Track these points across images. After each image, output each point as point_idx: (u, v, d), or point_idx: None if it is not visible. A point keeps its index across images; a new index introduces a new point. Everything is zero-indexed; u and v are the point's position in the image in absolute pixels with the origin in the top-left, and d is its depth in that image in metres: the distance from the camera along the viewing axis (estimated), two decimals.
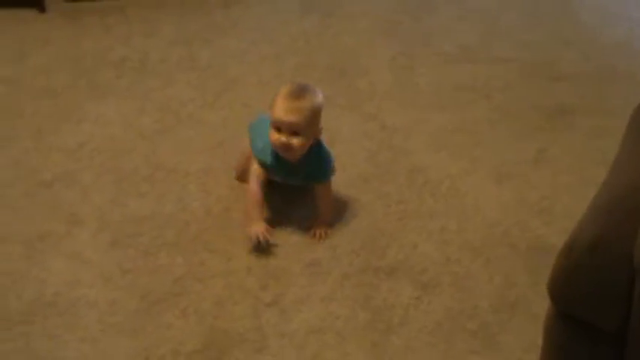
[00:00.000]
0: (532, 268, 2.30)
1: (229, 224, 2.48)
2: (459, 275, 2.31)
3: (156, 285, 2.29)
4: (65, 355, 2.11)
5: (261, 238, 2.36)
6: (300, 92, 2.32)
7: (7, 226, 2.47)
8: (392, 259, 2.36)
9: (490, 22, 3.41)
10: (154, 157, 2.73)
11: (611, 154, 1.84)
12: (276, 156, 2.37)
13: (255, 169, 2.40)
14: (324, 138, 2.43)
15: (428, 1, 3.55)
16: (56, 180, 2.64)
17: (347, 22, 3.42)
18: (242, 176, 2.56)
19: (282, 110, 2.28)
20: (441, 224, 2.47)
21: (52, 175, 2.66)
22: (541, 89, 3.02)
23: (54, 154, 2.75)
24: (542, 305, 1.82)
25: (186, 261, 2.36)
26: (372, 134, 2.81)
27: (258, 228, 2.37)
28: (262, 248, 2.37)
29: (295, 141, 2.30)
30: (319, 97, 2.34)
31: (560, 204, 2.50)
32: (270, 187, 2.45)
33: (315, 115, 2.32)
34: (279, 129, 2.30)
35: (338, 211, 2.51)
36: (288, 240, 2.42)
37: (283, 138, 2.30)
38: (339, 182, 2.55)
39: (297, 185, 2.49)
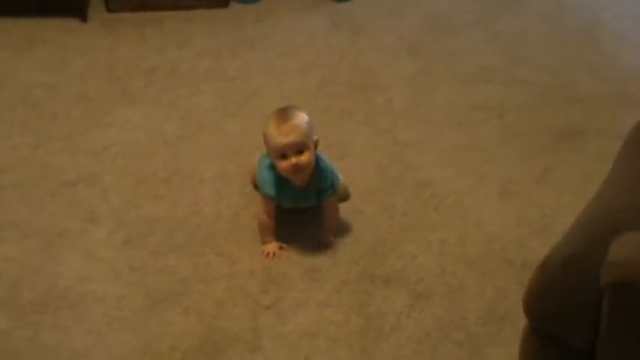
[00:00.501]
0: (525, 284, 2.33)
1: (238, 229, 2.58)
2: (453, 287, 2.38)
3: (162, 284, 2.40)
4: (71, 345, 2.23)
5: (271, 257, 2.48)
6: (286, 114, 2.41)
7: (30, 222, 2.61)
8: (390, 268, 2.44)
9: (513, 45, 3.47)
10: (173, 162, 2.85)
11: None
12: (282, 186, 2.44)
13: (264, 202, 2.48)
14: (334, 151, 2.53)
15: (454, 23, 3.62)
16: (80, 180, 2.78)
17: (373, 40, 3.51)
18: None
19: (280, 135, 2.36)
20: (441, 237, 2.54)
21: (76, 175, 2.80)
22: (554, 111, 3.07)
23: (80, 156, 2.89)
24: None
25: (193, 262, 2.47)
26: (383, 148, 2.89)
27: (271, 248, 2.50)
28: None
29: (303, 158, 2.38)
30: (303, 113, 2.43)
31: (560, 223, 2.54)
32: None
33: (309, 127, 2.40)
34: (284, 155, 2.38)
35: (343, 221, 2.59)
36: (292, 247, 2.52)
37: (292, 160, 2.37)
38: None
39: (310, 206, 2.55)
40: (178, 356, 2.19)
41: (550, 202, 2.66)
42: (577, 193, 2.60)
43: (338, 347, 2.22)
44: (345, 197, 2.64)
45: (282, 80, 3.28)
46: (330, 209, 2.53)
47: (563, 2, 3.82)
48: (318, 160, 2.45)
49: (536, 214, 2.61)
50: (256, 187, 2.64)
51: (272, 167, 2.44)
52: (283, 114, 2.41)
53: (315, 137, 2.43)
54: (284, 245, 2.51)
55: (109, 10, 3.74)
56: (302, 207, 2.55)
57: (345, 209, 2.62)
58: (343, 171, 2.64)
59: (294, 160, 2.37)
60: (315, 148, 2.43)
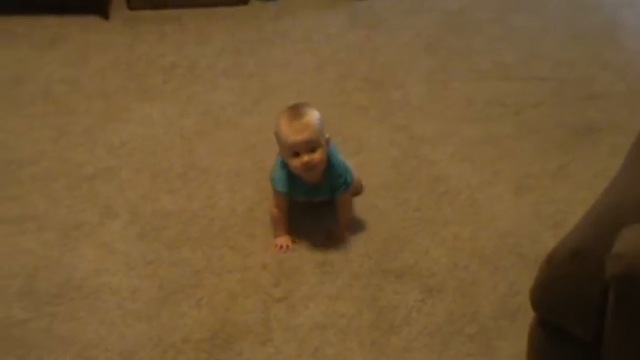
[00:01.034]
0: None
1: (251, 223, 2.60)
2: (466, 281, 2.38)
3: (175, 276, 2.43)
4: (85, 336, 2.26)
5: (284, 250, 2.50)
6: (298, 111, 2.40)
7: (48, 215, 2.65)
8: (402, 262, 2.45)
9: (531, 42, 3.46)
10: (189, 157, 2.87)
11: None
12: (294, 182, 2.45)
13: (276, 197, 2.50)
14: (350, 146, 2.54)
15: (472, 20, 3.61)
16: (98, 174, 2.81)
17: (390, 36, 3.52)
18: None
19: (293, 133, 2.35)
20: (454, 232, 2.54)
21: (94, 169, 2.84)
22: (571, 107, 3.05)
23: (98, 150, 2.93)
24: None
25: (206, 255, 2.49)
26: (399, 143, 2.90)
27: (284, 241, 2.52)
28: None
29: (316, 155, 2.38)
30: (315, 109, 2.43)
31: (574, 218, 2.48)
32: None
33: (321, 124, 2.39)
34: (297, 153, 2.38)
35: (356, 216, 2.60)
36: (304, 241, 2.53)
37: (305, 158, 2.37)
38: None
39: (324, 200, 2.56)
40: (190, 348, 2.22)
41: (565, 197, 2.65)
42: (592, 189, 2.58)
43: (348, 340, 2.23)
44: (358, 191, 2.65)
45: (299, 77, 3.29)
46: (344, 204, 2.54)
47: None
48: (330, 157, 2.45)
49: (550, 210, 2.60)
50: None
51: (284, 164, 2.45)
52: (295, 112, 2.41)
53: (326, 135, 2.43)
54: (296, 239, 2.52)
55: (130, 7, 3.78)
56: (316, 201, 2.56)
57: (358, 204, 2.63)
58: (358, 166, 2.66)
59: (306, 158, 2.37)
60: (327, 145, 2.43)
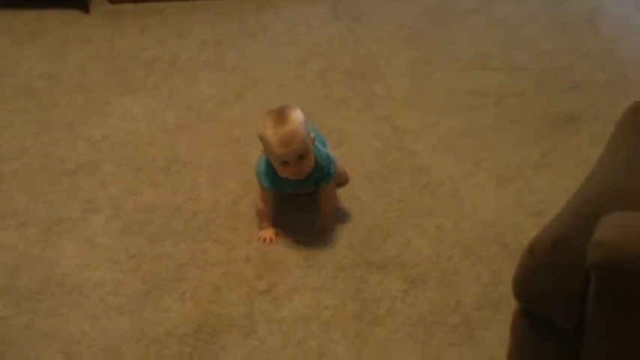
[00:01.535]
0: None
1: (235, 216, 2.59)
2: (448, 272, 2.39)
3: (159, 270, 2.42)
4: (67, 331, 2.26)
5: (268, 242, 2.50)
6: (282, 115, 2.36)
7: (29, 210, 2.64)
8: (385, 254, 2.45)
9: (512, 32, 3.46)
10: (172, 151, 2.86)
11: None
12: (280, 178, 2.43)
13: (261, 191, 2.50)
14: (333, 138, 2.55)
15: (454, 11, 3.61)
16: (79, 169, 2.80)
17: (372, 28, 3.51)
18: None
19: (281, 146, 2.32)
20: (437, 223, 2.54)
21: (75, 164, 2.82)
22: (552, 97, 3.06)
23: (80, 145, 2.91)
24: None
25: (190, 249, 2.49)
26: (381, 135, 2.90)
27: (268, 234, 2.51)
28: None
29: (305, 162, 2.37)
30: (297, 109, 2.40)
31: (556, 208, 2.48)
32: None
33: (306, 129, 2.37)
34: (286, 162, 2.37)
35: (340, 208, 2.60)
36: (289, 233, 2.53)
37: (295, 168, 2.37)
38: None
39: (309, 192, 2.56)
40: (174, 341, 2.21)
41: (546, 187, 2.66)
42: (573, 178, 2.59)
43: (332, 331, 2.23)
44: (344, 182, 2.65)
45: (281, 69, 3.28)
46: (327, 196, 2.53)
47: None
48: (315, 153, 2.43)
49: (532, 199, 2.61)
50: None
51: (269, 162, 2.44)
52: (279, 117, 2.36)
53: (312, 134, 2.41)
54: (280, 232, 2.52)
55: (111, 1, 3.75)
56: (301, 192, 2.56)
57: (342, 195, 2.63)
58: (341, 158, 2.65)
59: (296, 168, 2.37)
60: (313, 144, 2.42)
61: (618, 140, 2.07)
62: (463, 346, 2.17)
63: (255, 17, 3.63)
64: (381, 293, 2.33)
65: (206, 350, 2.19)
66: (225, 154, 2.84)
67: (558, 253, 1.72)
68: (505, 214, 2.57)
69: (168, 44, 3.46)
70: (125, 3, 3.75)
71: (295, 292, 2.34)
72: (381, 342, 2.19)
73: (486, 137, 2.88)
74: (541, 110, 2.99)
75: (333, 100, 3.09)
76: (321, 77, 3.22)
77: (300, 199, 2.60)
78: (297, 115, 2.37)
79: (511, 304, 2.24)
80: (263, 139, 2.38)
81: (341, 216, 2.58)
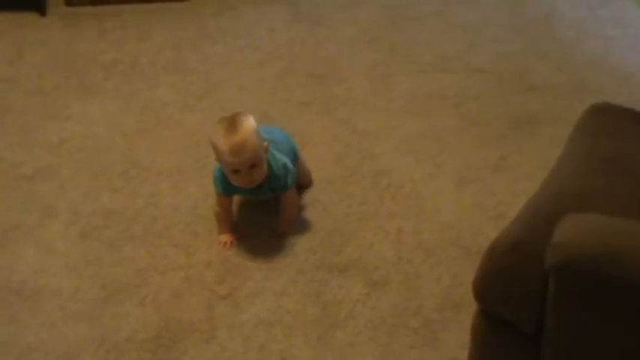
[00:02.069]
0: None
1: (195, 221, 2.58)
2: (409, 274, 2.39)
3: (118, 275, 2.40)
4: (24, 339, 2.22)
5: (228, 247, 2.48)
6: (233, 123, 2.35)
7: None
8: (347, 257, 2.45)
9: (471, 35, 3.48)
10: (131, 155, 2.84)
11: None
12: (234, 185, 2.42)
13: (218, 196, 2.48)
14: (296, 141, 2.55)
15: (414, 14, 3.63)
16: (36, 174, 2.76)
17: (333, 31, 3.52)
18: None
19: (231, 154, 2.31)
20: (398, 225, 2.55)
21: (32, 169, 2.79)
22: (511, 99, 3.08)
23: (37, 150, 2.87)
24: None
25: (150, 254, 2.46)
26: (342, 138, 2.90)
27: (227, 238, 2.50)
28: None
29: (256, 171, 2.37)
30: (249, 117, 2.38)
31: (516, 210, 2.50)
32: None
33: (258, 137, 2.36)
34: (237, 170, 2.36)
35: (301, 211, 2.59)
36: (250, 237, 2.51)
37: (246, 178, 2.36)
38: None
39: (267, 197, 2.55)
40: (134, 348, 2.19)
41: (506, 189, 2.67)
42: (532, 179, 2.61)
43: (294, 336, 2.22)
44: (307, 184, 2.65)
45: (241, 73, 3.27)
46: (287, 202, 2.53)
47: None
48: (269, 161, 2.42)
49: (492, 202, 2.63)
50: None
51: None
52: (230, 126, 2.34)
53: (265, 143, 2.40)
54: (240, 236, 2.51)
55: (69, 3, 3.71)
56: (260, 198, 2.55)
57: (302, 198, 2.62)
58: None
59: (246, 179, 2.37)
60: (266, 153, 2.41)
61: (576, 142, 2.09)
62: (424, 349, 2.18)
63: (216, 20, 3.62)
64: (342, 296, 2.33)
65: (167, 356, 2.17)
66: (186, 158, 2.82)
67: (518, 255, 1.73)
68: (465, 216, 2.58)
69: (128, 47, 3.44)
70: (83, 6, 3.72)
71: (256, 297, 2.33)
72: (343, 346, 2.19)
73: (446, 140, 2.89)
74: (500, 112, 3.01)
75: (293, 103, 3.09)
76: (281, 80, 3.22)
77: (262, 203, 2.59)
78: (249, 124, 2.36)
79: (472, 306, 2.25)
80: (215, 147, 2.37)
81: (302, 219, 2.57)
